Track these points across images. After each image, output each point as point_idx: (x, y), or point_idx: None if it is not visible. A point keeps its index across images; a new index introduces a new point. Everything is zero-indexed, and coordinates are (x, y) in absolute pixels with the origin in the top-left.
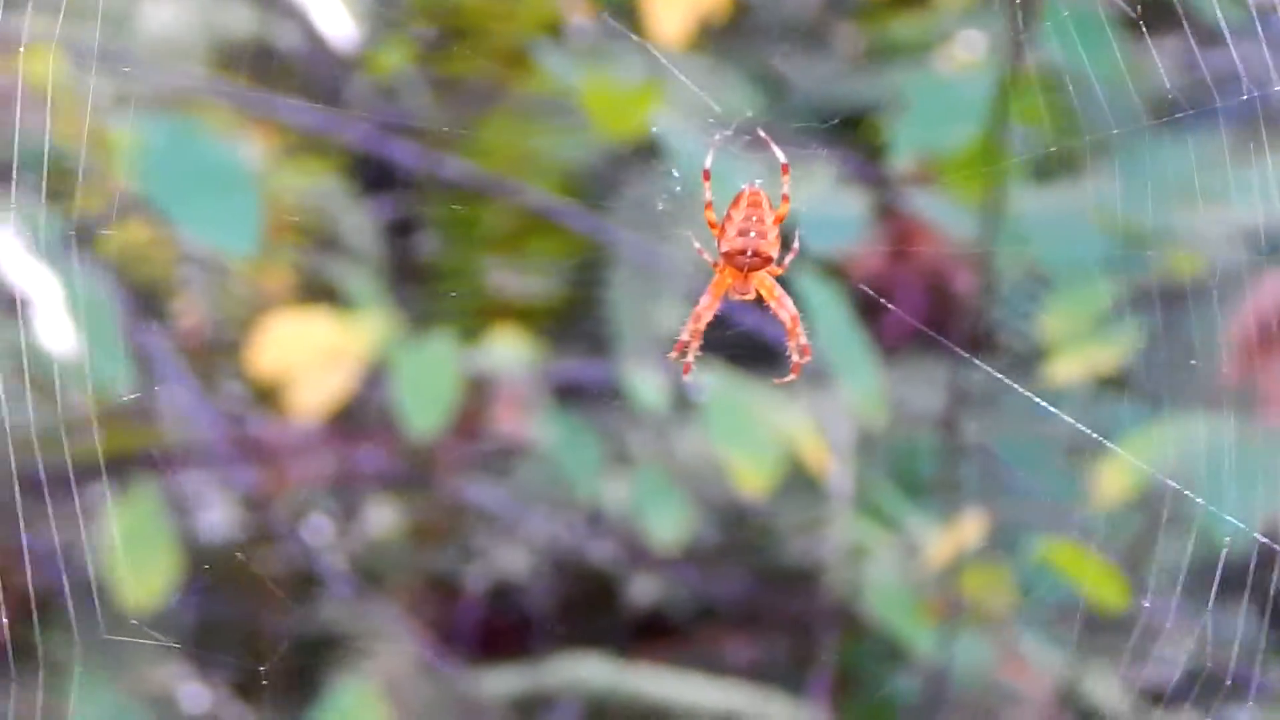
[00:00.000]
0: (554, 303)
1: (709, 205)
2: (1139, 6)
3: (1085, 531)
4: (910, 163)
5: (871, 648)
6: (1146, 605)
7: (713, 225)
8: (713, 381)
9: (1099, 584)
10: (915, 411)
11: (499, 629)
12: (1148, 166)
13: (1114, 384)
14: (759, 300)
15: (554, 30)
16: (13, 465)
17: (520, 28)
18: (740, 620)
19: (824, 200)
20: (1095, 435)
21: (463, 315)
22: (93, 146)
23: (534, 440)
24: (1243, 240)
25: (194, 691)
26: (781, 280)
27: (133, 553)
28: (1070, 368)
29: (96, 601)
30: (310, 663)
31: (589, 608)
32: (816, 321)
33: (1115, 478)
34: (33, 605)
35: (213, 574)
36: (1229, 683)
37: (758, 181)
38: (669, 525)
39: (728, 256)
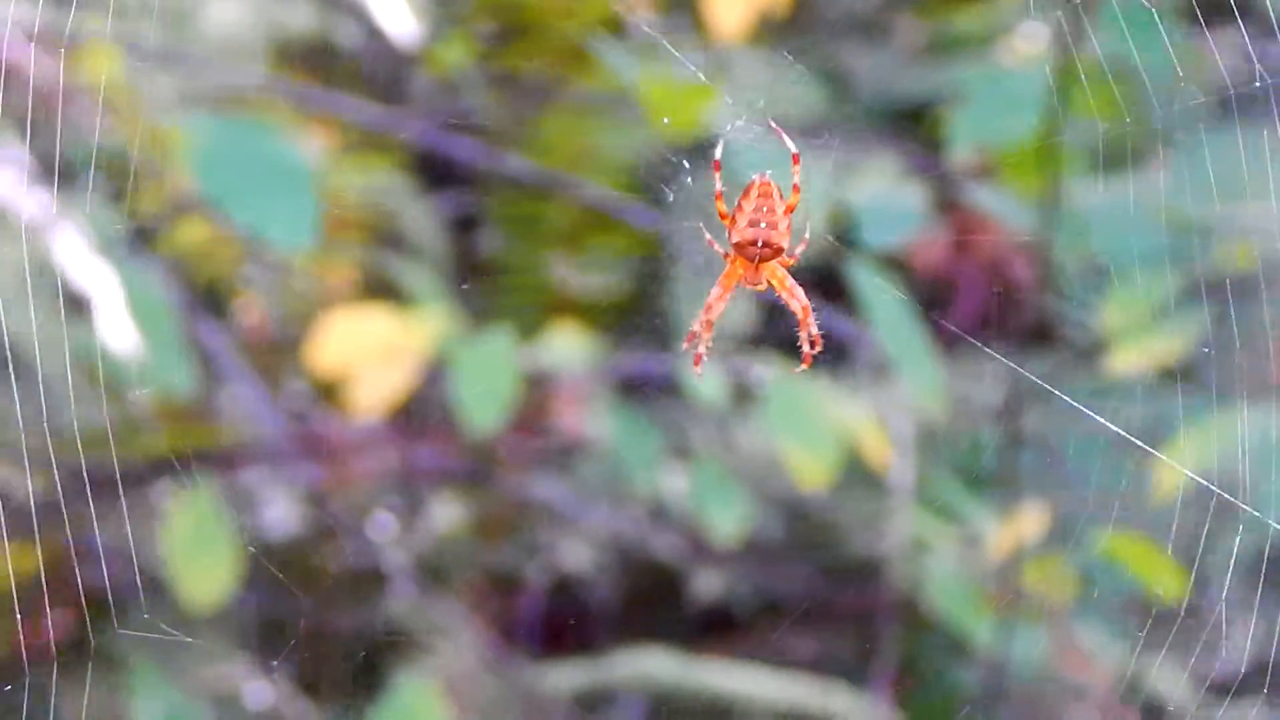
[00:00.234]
0: (615, 298)
1: (719, 196)
2: None
3: (1144, 523)
4: (969, 155)
5: (933, 640)
6: (1209, 598)
7: (723, 216)
8: (772, 375)
9: (1158, 576)
10: (976, 404)
11: (562, 624)
12: (1207, 158)
13: (1174, 376)
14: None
15: (613, 26)
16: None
17: (579, 23)
18: (803, 614)
19: (884, 194)
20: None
21: (523, 311)
22: (154, 145)
23: (594, 435)
24: None
25: (256, 689)
26: (840, 275)
27: (195, 551)
28: (1130, 360)
29: (158, 600)
30: (373, 660)
31: (652, 602)
32: (875, 315)
33: (1174, 470)
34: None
35: (277, 571)
36: None
37: (768, 172)
38: (729, 520)
39: (739, 247)
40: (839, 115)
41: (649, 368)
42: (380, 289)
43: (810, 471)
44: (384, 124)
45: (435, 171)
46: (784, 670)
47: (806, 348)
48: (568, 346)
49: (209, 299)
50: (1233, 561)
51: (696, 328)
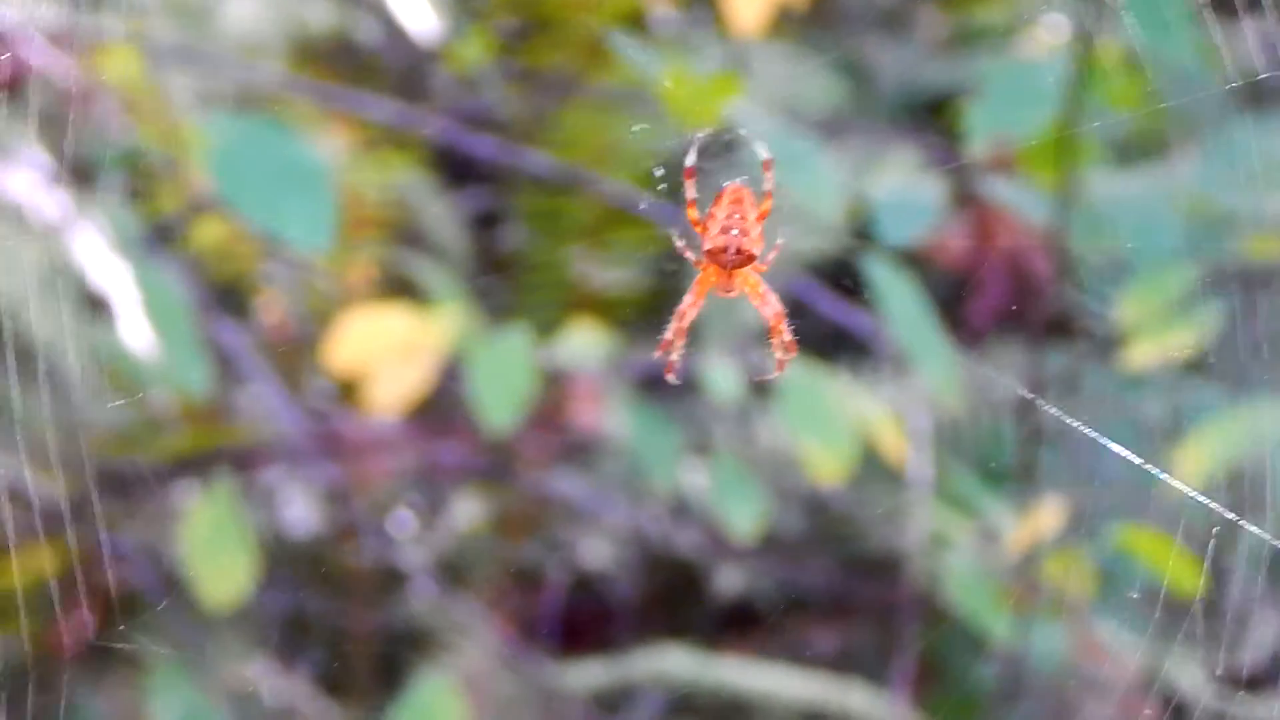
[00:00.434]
0: (636, 294)
1: (691, 203)
2: None
3: (1164, 517)
4: (987, 148)
5: (953, 636)
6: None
7: (695, 223)
8: (789, 370)
9: (1177, 570)
10: (995, 398)
11: (582, 621)
12: (1230, 148)
13: (1194, 368)
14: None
15: (634, 21)
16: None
17: (600, 18)
18: (824, 610)
19: (902, 188)
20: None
21: (543, 308)
22: (172, 144)
23: (612, 432)
24: None
25: (277, 687)
26: (854, 267)
27: (214, 550)
28: (1148, 352)
29: (178, 600)
30: (393, 658)
31: (673, 599)
32: (893, 309)
33: (1194, 463)
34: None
35: (296, 570)
36: None
37: (741, 179)
38: (746, 516)
39: (711, 254)
40: (859, 109)
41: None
42: (400, 287)
43: (827, 466)
44: (404, 121)
45: (456, 168)
46: (804, 667)
47: (780, 354)
48: (586, 343)
49: (228, 298)
50: (1251, 555)
51: (669, 335)
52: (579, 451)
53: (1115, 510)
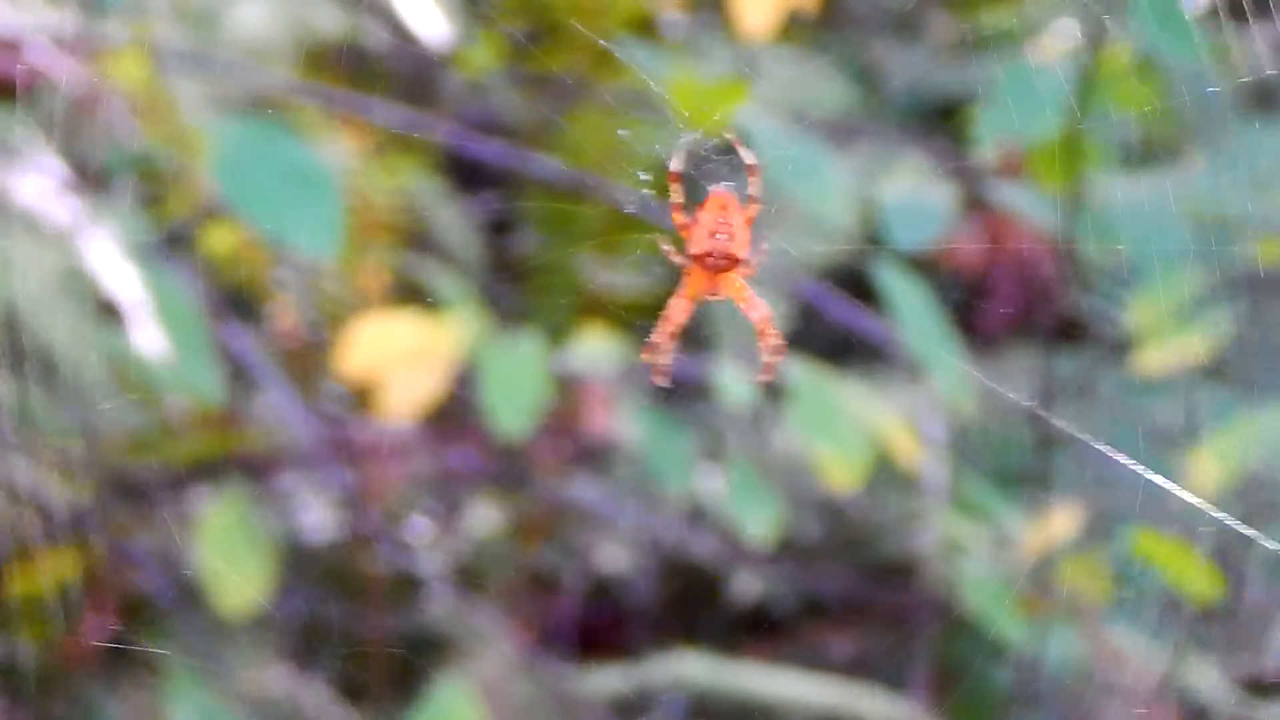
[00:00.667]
0: (647, 299)
1: (677, 208)
2: None
3: (1179, 520)
4: (996, 153)
5: (969, 641)
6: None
7: (681, 228)
8: (802, 376)
9: (1192, 575)
10: (1008, 403)
11: (599, 626)
12: (1238, 152)
13: (1205, 372)
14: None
15: (643, 26)
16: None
17: (608, 24)
18: (841, 615)
19: (912, 192)
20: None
21: (555, 313)
22: (181, 150)
23: (625, 437)
24: None
25: (293, 693)
26: (865, 273)
27: (230, 556)
28: (1159, 357)
29: (195, 606)
30: (410, 663)
31: (689, 604)
32: (904, 315)
33: (1208, 467)
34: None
35: (313, 576)
36: None
37: (726, 184)
38: (760, 521)
39: (697, 259)
40: (868, 114)
41: (681, 369)
42: (412, 292)
43: (840, 473)
44: (413, 126)
45: (466, 174)
46: (821, 671)
47: (768, 356)
48: (598, 348)
49: (241, 303)
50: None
51: (657, 339)
52: (594, 457)
53: (1130, 514)
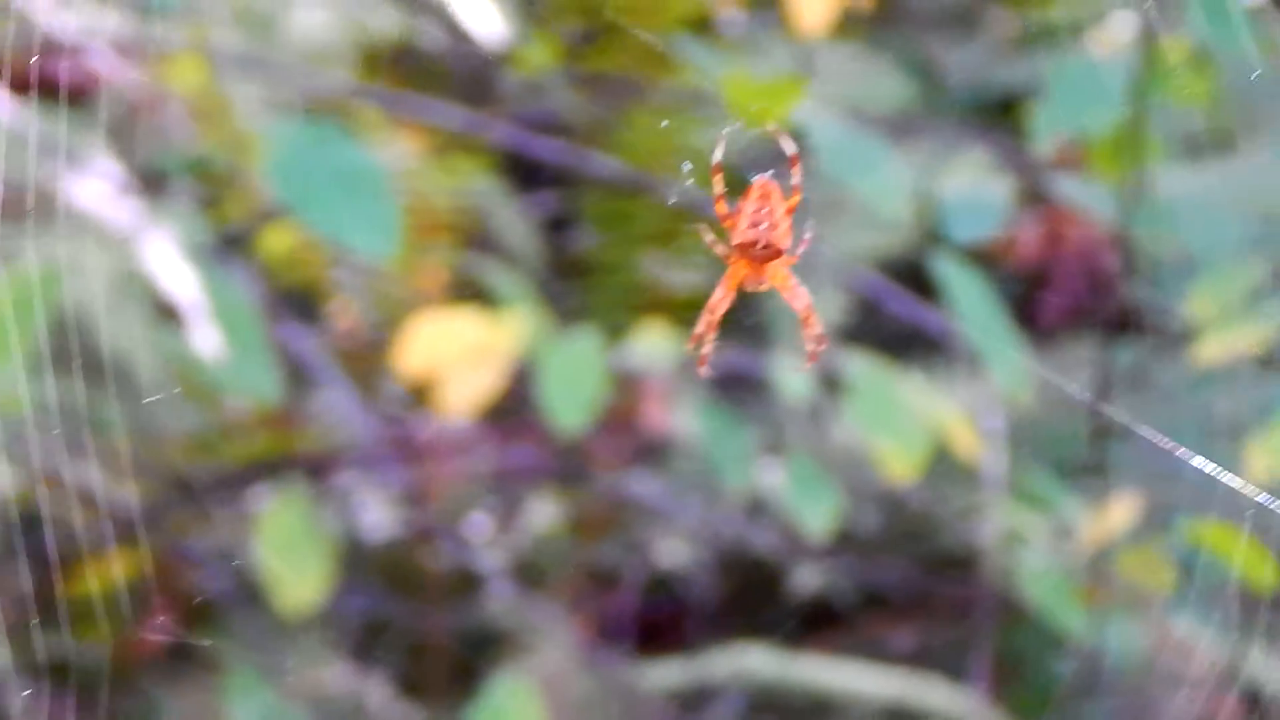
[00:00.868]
0: (706, 295)
1: (719, 199)
2: None
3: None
4: (1054, 147)
5: (1030, 632)
6: None
7: (724, 218)
8: (861, 369)
9: (1254, 565)
10: (1066, 394)
11: (660, 621)
12: None
13: (1265, 364)
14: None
15: (700, 24)
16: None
17: (665, 22)
18: (902, 608)
19: (971, 187)
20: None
21: (614, 310)
22: (239, 153)
23: (684, 433)
24: None
25: (354, 691)
26: (924, 267)
27: (290, 555)
28: (1217, 348)
29: (255, 605)
30: (471, 661)
31: (750, 598)
32: (963, 308)
33: (1266, 458)
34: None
35: (373, 574)
36: None
37: (769, 173)
38: (819, 514)
39: (740, 249)
40: (927, 109)
41: (739, 363)
42: (471, 291)
43: (899, 465)
44: (471, 126)
45: (524, 173)
46: (882, 664)
47: (811, 346)
48: (656, 344)
49: (300, 304)
50: None
51: (700, 329)
52: (653, 453)
53: (1190, 504)
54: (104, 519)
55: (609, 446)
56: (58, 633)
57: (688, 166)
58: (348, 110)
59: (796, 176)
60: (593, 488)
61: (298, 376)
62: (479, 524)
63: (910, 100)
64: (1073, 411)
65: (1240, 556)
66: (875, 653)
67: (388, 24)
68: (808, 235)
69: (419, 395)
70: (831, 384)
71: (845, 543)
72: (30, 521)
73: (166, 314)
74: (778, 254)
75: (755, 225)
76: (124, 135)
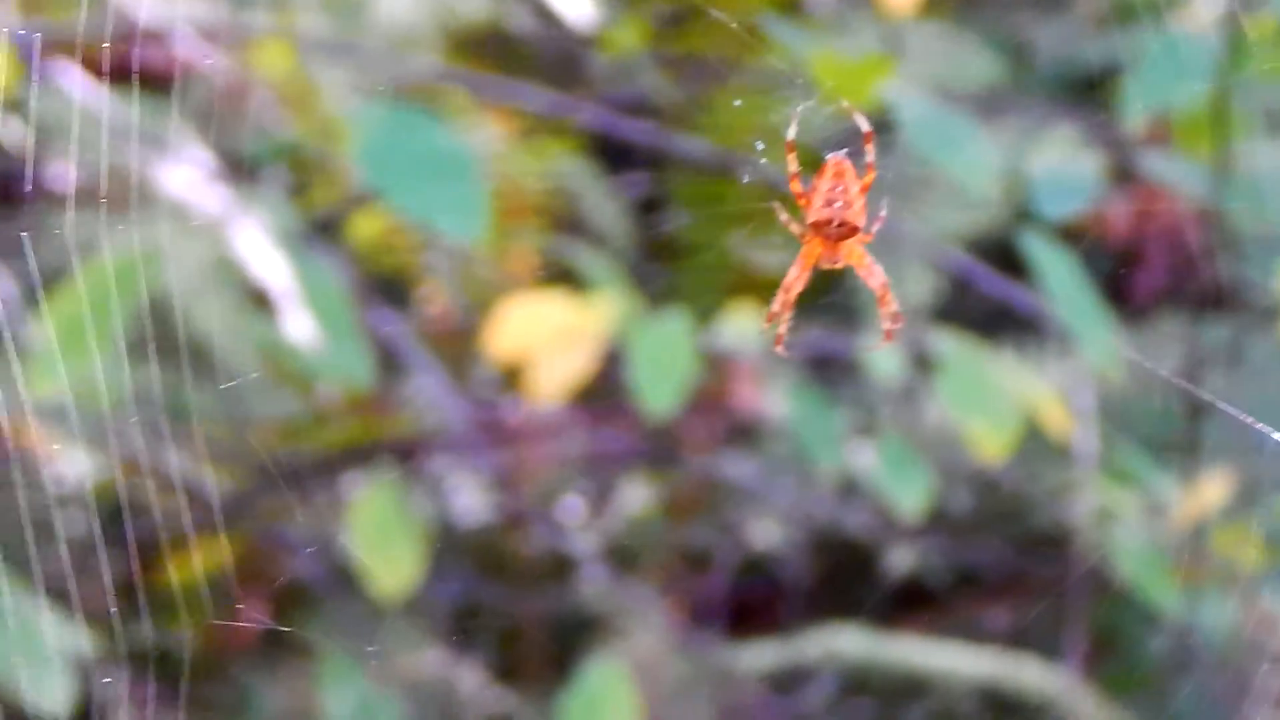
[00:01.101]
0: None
1: (794, 176)
2: None
3: None
4: (1142, 123)
5: (1124, 609)
6: None
7: (799, 196)
8: (951, 348)
9: None
10: (1158, 372)
11: (753, 603)
12: None
13: None
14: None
15: (788, 4)
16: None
17: (754, 2)
18: (995, 587)
19: (1060, 164)
20: None
21: (704, 291)
22: (328, 138)
23: (774, 414)
24: None
25: (449, 677)
26: (1015, 245)
27: (383, 541)
28: None
29: (349, 591)
30: (565, 645)
31: (843, 578)
32: (1053, 286)
33: None
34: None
35: (466, 559)
36: None
37: (843, 151)
38: (912, 494)
39: (815, 227)
40: (1016, 87)
41: (830, 344)
42: (561, 274)
43: (990, 444)
44: (559, 109)
45: (614, 155)
46: (976, 644)
47: (887, 324)
48: (746, 325)
49: (391, 289)
50: None
51: (776, 308)
52: (745, 434)
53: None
54: (195, 506)
55: (700, 428)
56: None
57: (761, 145)
58: (435, 94)
59: (871, 154)
60: (685, 470)
61: (388, 362)
62: (571, 508)
63: (998, 78)
64: (1164, 389)
65: None
66: (969, 632)
67: (475, 7)
68: (883, 213)
69: (509, 379)
70: (922, 364)
71: (938, 522)
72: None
73: (258, 301)
74: (853, 232)
75: (830, 204)
76: (213, 122)
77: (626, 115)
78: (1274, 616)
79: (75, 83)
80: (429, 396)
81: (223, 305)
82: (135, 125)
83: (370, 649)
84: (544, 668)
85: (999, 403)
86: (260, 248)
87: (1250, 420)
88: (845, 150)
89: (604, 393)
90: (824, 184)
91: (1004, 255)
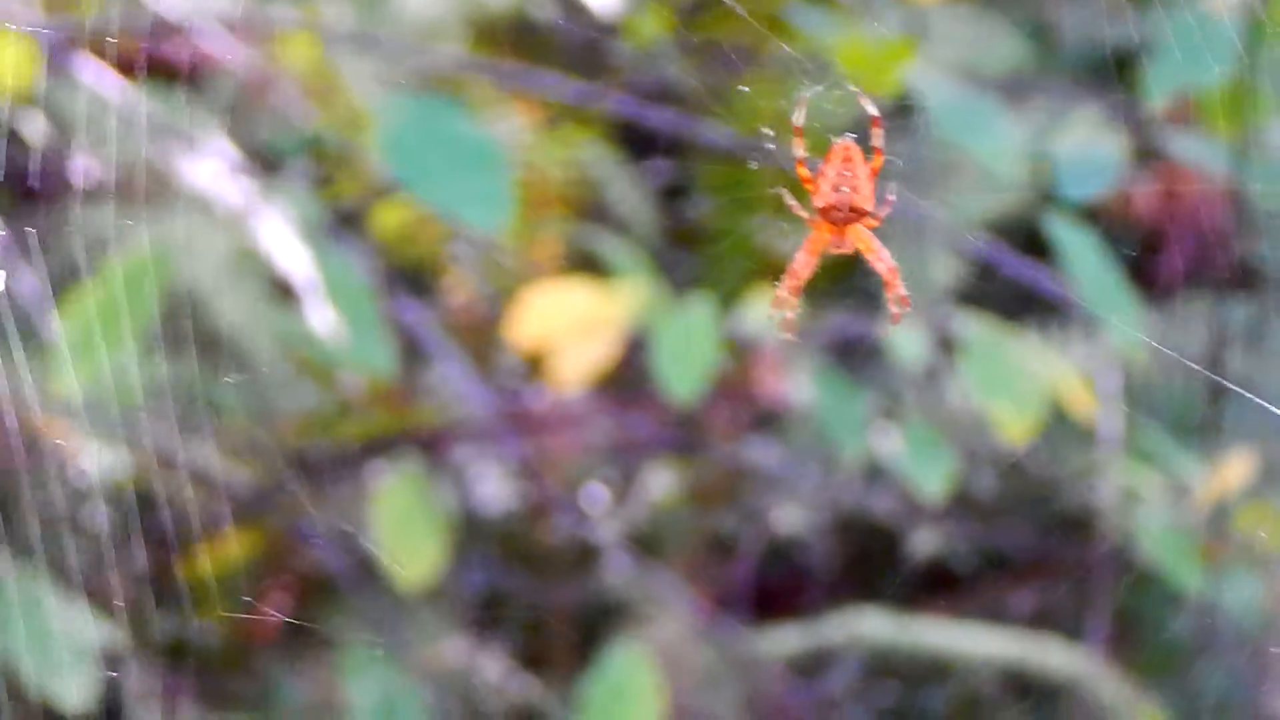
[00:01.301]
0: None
1: (801, 162)
2: None
3: None
4: (1167, 104)
5: (1149, 591)
6: None
7: (806, 181)
8: (975, 331)
9: None
10: (1181, 353)
11: (778, 588)
12: None
13: None
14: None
15: None
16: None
17: None
18: (1020, 569)
19: (1083, 145)
20: None
21: (729, 278)
22: (352, 130)
23: (799, 400)
24: None
25: (474, 666)
26: (1039, 228)
27: (407, 531)
28: None
29: (373, 581)
30: (590, 632)
31: (868, 562)
32: (1077, 267)
33: None
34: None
35: (490, 548)
36: None
37: (850, 135)
38: (935, 478)
39: (823, 212)
40: (1041, 69)
41: (853, 329)
42: (586, 262)
43: (1014, 427)
44: (584, 98)
45: (640, 143)
46: (1001, 627)
47: (895, 308)
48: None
49: (415, 280)
50: None
51: (782, 293)
52: (770, 420)
53: None
54: (219, 499)
55: (725, 415)
56: (173, 613)
57: (769, 132)
58: (460, 85)
59: (879, 139)
60: (709, 457)
61: (412, 352)
62: (596, 495)
63: (1023, 61)
64: (1188, 370)
65: None
66: (994, 615)
67: None
68: (890, 197)
69: (534, 368)
70: (947, 347)
71: (963, 506)
72: (147, 504)
73: (282, 292)
74: (861, 216)
75: (837, 188)
76: (237, 115)
77: (651, 103)
78: None
79: (99, 78)
80: (453, 386)
81: (246, 298)
82: (159, 120)
83: (394, 639)
84: (568, 656)
85: (1023, 385)
86: (283, 239)
87: (1269, 405)
88: (853, 135)
89: (628, 380)
90: (831, 169)
91: (1029, 238)
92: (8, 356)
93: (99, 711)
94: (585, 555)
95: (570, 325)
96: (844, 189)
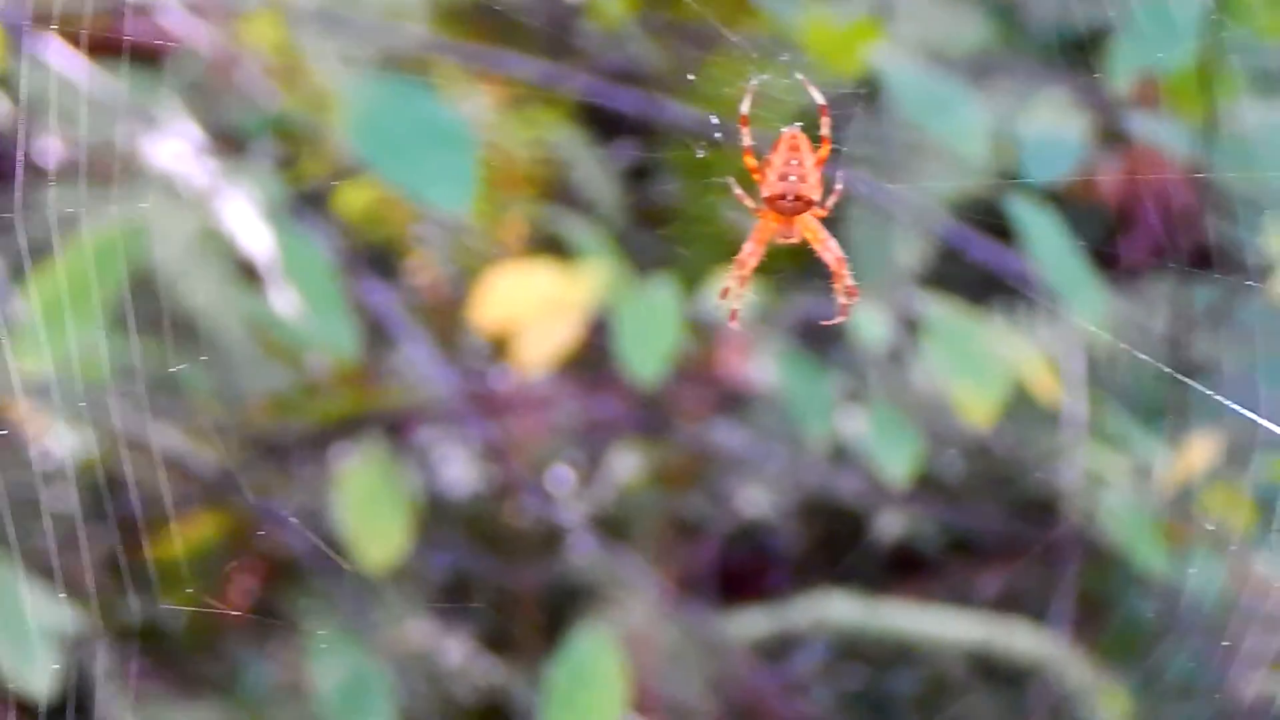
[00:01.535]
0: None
1: (748, 150)
2: None
3: None
4: (1132, 85)
5: (1114, 573)
6: None
7: (753, 170)
8: (938, 313)
9: None
10: (1146, 334)
11: (744, 571)
12: None
13: None
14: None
15: None
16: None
17: None
18: (986, 552)
19: (1048, 126)
20: None
21: (694, 260)
22: (317, 110)
23: (764, 381)
24: None
25: (439, 647)
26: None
27: (372, 513)
28: None
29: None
30: (555, 614)
31: (834, 545)
32: (1040, 249)
33: None
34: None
35: (456, 530)
36: None
37: (797, 125)
38: (900, 460)
39: (770, 201)
40: (1008, 50)
41: (818, 311)
42: (550, 243)
43: (977, 409)
44: (549, 78)
45: (606, 124)
46: (967, 609)
47: (843, 299)
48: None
49: (381, 261)
50: None
51: (730, 283)
52: (735, 402)
53: (1269, 442)
54: (184, 481)
55: (690, 397)
56: (139, 595)
57: (715, 120)
58: (425, 65)
59: (825, 127)
60: (675, 439)
61: (378, 333)
62: (561, 477)
63: (990, 41)
64: (1153, 352)
65: None
66: (960, 598)
67: None
68: (838, 186)
69: (499, 349)
70: (911, 329)
71: (929, 488)
72: (111, 485)
73: (249, 274)
74: (808, 206)
75: (784, 178)
76: (202, 95)
77: (617, 84)
78: (1263, 580)
79: (61, 58)
80: (418, 368)
81: (212, 279)
82: (123, 100)
83: (360, 621)
84: (534, 638)
85: (987, 367)
86: (247, 220)
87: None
88: (797, 124)
89: (594, 362)
90: (778, 158)
91: (994, 219)
92: None
93: (66, 694)
94: (551, 537)
95: (534, 307)
96: (791, 178)
